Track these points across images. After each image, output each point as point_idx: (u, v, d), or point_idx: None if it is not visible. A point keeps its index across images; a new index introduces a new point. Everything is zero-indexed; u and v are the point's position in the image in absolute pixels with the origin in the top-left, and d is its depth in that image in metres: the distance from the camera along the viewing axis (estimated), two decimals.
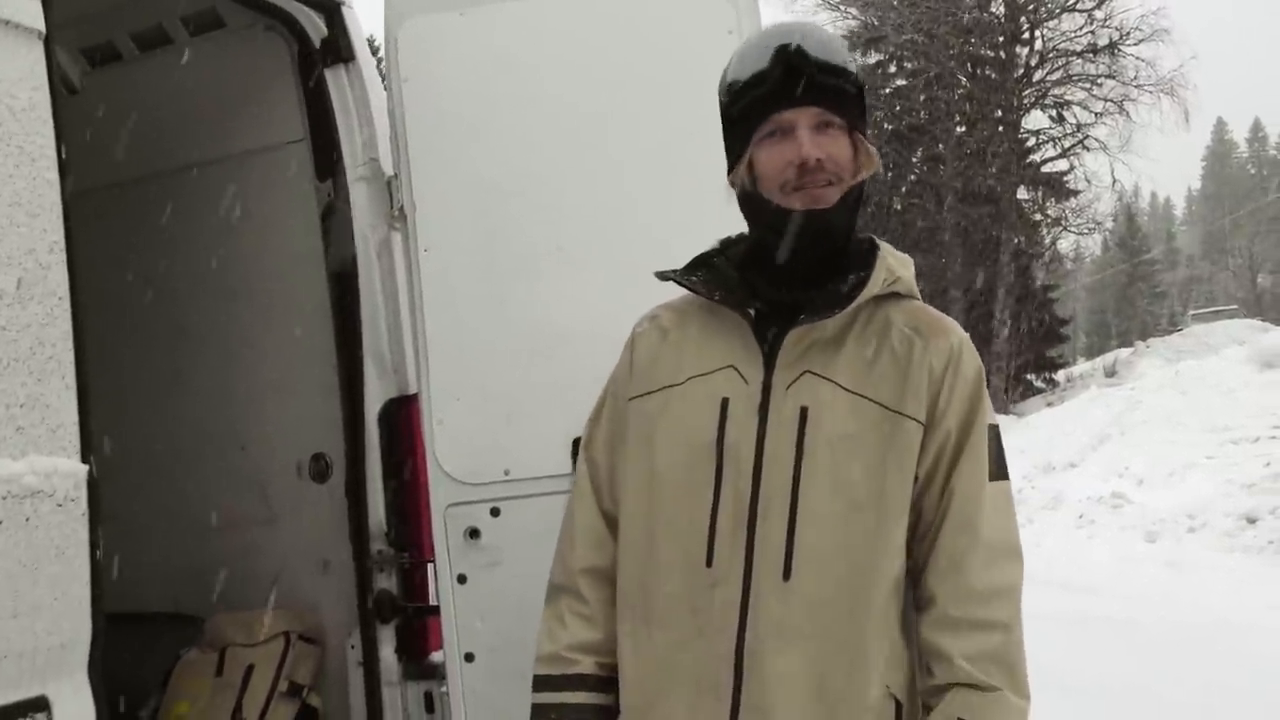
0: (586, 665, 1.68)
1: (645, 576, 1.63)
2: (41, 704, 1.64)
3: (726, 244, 1.74)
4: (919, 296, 1.69)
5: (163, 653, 3.06)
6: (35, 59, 1.74)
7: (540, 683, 1.71)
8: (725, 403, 1.59)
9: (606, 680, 1.68)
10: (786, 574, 1.53)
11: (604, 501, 1.72)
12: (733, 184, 1.65)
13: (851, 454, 1.55)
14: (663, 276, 1.71)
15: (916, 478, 1.57)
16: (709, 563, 1.56)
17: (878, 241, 1.69)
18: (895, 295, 1.64)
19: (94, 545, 1.74)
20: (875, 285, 1.59)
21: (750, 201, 1.63)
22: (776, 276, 1.63)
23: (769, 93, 1.56)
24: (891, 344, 1.60)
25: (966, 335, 1.66)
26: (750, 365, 1.60)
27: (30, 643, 1.63)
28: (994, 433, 1.62)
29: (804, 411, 1.56)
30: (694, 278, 1.69)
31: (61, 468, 1.69)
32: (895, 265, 1.64)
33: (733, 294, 1.64)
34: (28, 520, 1.63)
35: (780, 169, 1.56)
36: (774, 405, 1.57)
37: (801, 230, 1.57)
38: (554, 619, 1.72)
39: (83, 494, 1.72)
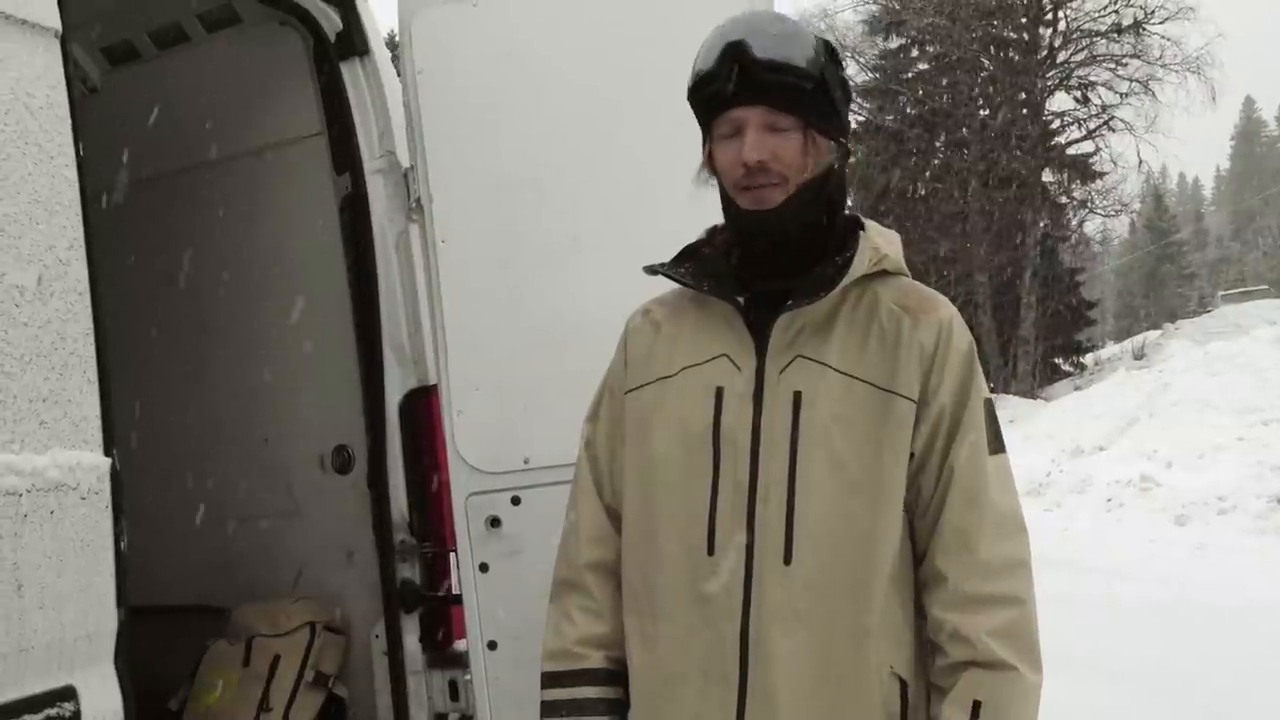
0: (596, 659, 1.68)
1: (648, 568, 1.64)
2: (69, 693, 1.66)
3: (712, 233, 1.74)
4: (908, 273, 1.69)
5: (190, 644, 3.10)
6: (52, 58, 1.76)
7: (550, 679, 1.70)
8: (720, 391, 1.60)
9: (616, 674, 1.68)
10: (787, 558, 1.54)
11: (606, 496, 1.73)
12: (707, 173, 1.66)
13: (846, 435, 1.56)
14: (651, 270, 1.71)
15: (912, 455, 1.57)
16: (710, 551, 1.57)
17: (863, 220, 1.69)
18: (883, 273, 1.64)
19: (118, 537, 1.76)
20: (861, 266, 1.59)
21: (721, 194, 1.65)
22: (759, 266, 1.63)
23: (717, 92, 1.56)
24: (880, 322, 1.60)
25: (955, 310, 1.66)
26: (742, 353, 1.61)
27: (57, 633, 1.65)
28: (989, 406, 1.62)
29: (798, 396, 1.56)
30: (682, 270, 1.69)
31: (85, 461, 1.72)
32: (881, 244, 1.64)
33: (721, 284, 1.65)
34: (52, 513, 1.65)
35: (731, 168, 1.58)
36: (768, 391, 1.58)
37: (750, 229, 1.60)
38: (561, 615, 1.72)
39: (106, 487, 1.75)
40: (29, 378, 1.64)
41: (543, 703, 1.71)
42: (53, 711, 1.64)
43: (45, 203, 1.70)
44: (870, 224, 1.69)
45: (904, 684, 1.56)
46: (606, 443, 1.74)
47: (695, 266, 1.69)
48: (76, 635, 1.68)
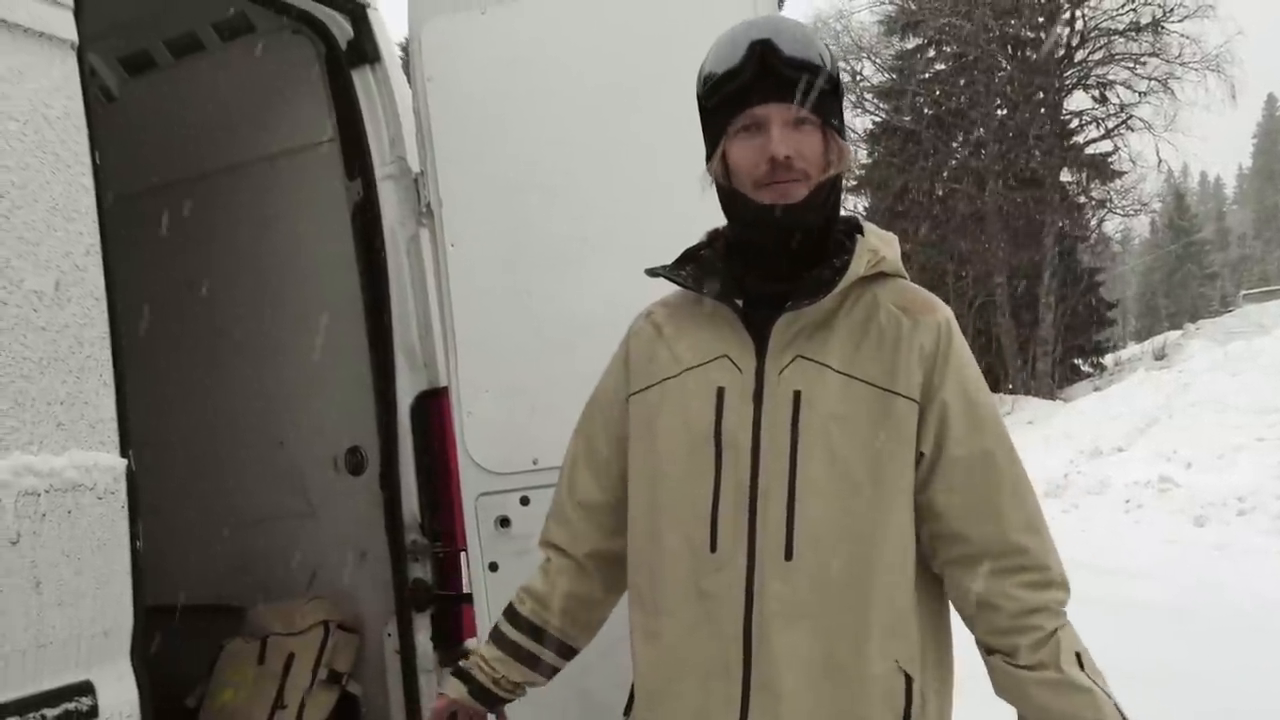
0: (526, 608, 1.85)
1: (652, 565, 1.67)
2: (86, 688, 1.71)
3: (713, 236, 1.76)
4: (905, 274, 1.71)
5: (207, 642, 3.15)
6: (69, 69, 1.80)
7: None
8: (721, 391, 1.62)
9: (534, 625, 1.83)
10: (788, 554, 1.56)
11: (578, 492, 1.84)
12: (711, 175, 1.67)
13: (846, 434, 1.57)
14: (652, 273, 1.74)
15: (923, 454, 1.59)
16: (713, 548, 1.59)
17: (861, 223, 1.71)
18: (882, 275, 1.66)
19: (134, 536, 1.81)
20: (859, 268, 1.61)
21: (725, 195, 1.66)
22: (759, 268, 1.65)
23: (741, 87, 1.57)
24: (879, 323, 1.62)
25: (951, 311, 1.68)
26: (743, 354, 1.63)
27: (74, 630, 1.69)
28: (991, 401, 1.66)
29: (798, 395, 1.58)
30: (683, 272, 1.72)
31: (101, 462, 1.76)
32: (879, 246, 1.66)
33: (720, 286, 1.67)
34: (70, 513, 1.69)
35: (752, 164, 1.59)
36: (768, 391, 1.60)
37: (773, 225, 1.60)
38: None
39: (122, 487, 1.79)
40: (47, 381, 1.69)
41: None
42: (70, 706, 1.68)
43: (63, 210, 1.75)
44: (869, 226, 1.71)
45: (909, 678, 1.58)
46: (583, 436, 1.85)
47: (695, 269, 1.72)
48: (93, 632, 1.73)
